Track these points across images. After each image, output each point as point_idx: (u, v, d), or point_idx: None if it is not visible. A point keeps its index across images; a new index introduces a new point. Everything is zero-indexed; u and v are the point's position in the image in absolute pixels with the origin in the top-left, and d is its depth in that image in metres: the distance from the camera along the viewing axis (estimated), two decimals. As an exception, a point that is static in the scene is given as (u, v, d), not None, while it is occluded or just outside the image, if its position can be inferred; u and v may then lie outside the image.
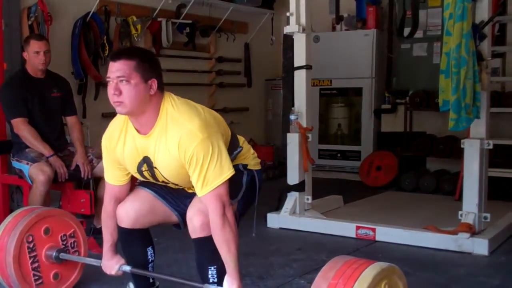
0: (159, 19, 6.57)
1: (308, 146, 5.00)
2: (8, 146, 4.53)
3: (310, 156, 5.03)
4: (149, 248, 2.90)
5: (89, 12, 5.83)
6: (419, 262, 4.05)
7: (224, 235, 2.48)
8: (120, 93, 2.42)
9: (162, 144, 2.48)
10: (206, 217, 2.57)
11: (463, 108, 4.00)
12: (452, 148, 6.33)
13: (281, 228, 4.97)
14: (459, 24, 3.95)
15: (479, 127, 4.33)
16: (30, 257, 3.10)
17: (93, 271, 3.87)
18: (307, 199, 5.06)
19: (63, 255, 3.19)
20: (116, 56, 2.47)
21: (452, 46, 3.98)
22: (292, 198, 5.03)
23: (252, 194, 2.87)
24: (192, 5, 6.89)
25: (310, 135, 5.03)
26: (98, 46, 5.96)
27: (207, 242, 2.60)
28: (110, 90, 2.43)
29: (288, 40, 5.32)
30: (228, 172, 2.49)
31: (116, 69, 2.43)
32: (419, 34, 6.01)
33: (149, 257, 2.89)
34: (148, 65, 2.48)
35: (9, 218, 3.21)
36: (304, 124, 4.97)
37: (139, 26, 6.24)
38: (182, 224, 2.84)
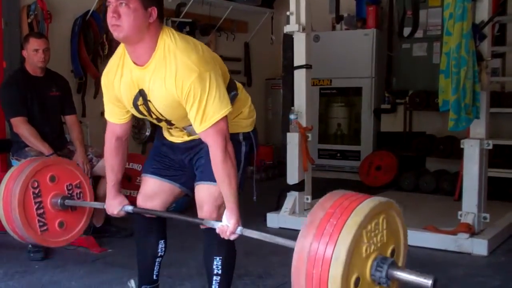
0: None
1: (307, 146, 5.00)
2: (7, 145, 4.53)
3: (309, 155, 5.03)
4: (161, 241, 2.89)
5: (88, 11, 5.83)
6: (418, 262, 4.03)
7: (225, 170, 2.45)
8: (119, 16, 2.37)
9: (158, 77, 2.43)
10: (212, 205, 2.60)
11: (463, 108, 4.00)
12: (451, 148, 6.34)
13: (280, 228, 4.97)
14: (459, 24, 3.95)
15: (478, 127, 4.33)
16: (35, 203, 3.10)
17: (96, 269, 3.88)
18: (307, 198, 5.06)
19: (68, 202, 3.18)
20: None
21: (452, 46, 3.98)
22: (291, 197, 5.03)
23: (250, 159, 2.83)
24: (192, 4, 6.90)
25: (310, 135, 5.03)
26: (98, 45, 5.97)
27: (214, 233, 2.59)
28: (109, 13, 2.39)
29: (288, 40, 5.32)
30: (227, 107, 2.45)
31: None
32: (419, 34, 6.01)
33: (159, 250, 2.89)
34: None
35: (15, 167, 3.23)
36: (304, 124, 4.97)
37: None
38: (189, 192, 2.83)
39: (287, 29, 5.01)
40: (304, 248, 2.02)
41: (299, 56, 5.01)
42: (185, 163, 2.79)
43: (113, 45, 6.09)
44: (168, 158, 2.83)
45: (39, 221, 3.12)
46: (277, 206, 5.15)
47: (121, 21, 2.38)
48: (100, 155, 4.48)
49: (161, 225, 2.90)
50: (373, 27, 7.40)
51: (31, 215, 3.09)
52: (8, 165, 4.63)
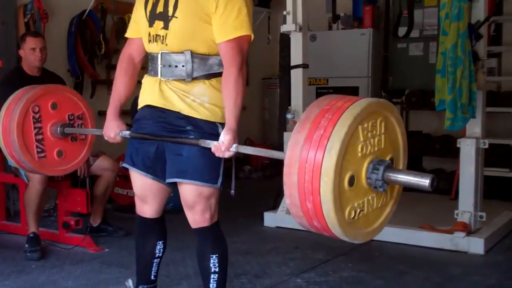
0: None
1: (304, 145, 4.99)
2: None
3: (306, 155, 5.03)
4: (160, 242, 2.86)
5: (85, 10, 5.82)
6: (415, 261, 4.07)
7: (236, 87, 2.45)
8: None
9: None
10: (204, 205, 2.56)
11: (459, 107, 4.01)
12: (448, 148, 6.34)
13: (277, 227, 4.98)
14: (455, 24, 3.96)
15: (475, 127, 4.35)
16: (35, 128, 3.06)
17: (93, 269, 3.88)
18: (303, 198, 5.05)
19: (68, 129, 3.15)
20: None
21: (448, 46, 3.99)
22: (288, 197, 5.02)
23: None
24: (189, 3, 6.88)
25: (306, 134, 5.03)
26: (95, 44, 5.96)
27: (208, 232, 2.59)
28: None
29: (285, 39, 5.31)
30: (251, 31, 2.48)
31: None
32: (415, 33, 6.02)
33: (157, 251, 2.87)
34: None
35: (18, 91, 3.20)
36: (301, 123, 4.97)
37: (135, 25, 6.23)
38: (167, 185, 2.71)
39: (284, 28, 5.01)
40: (298, 142, 1.97)
41: (296, 56, 5.01)
42: (164, 148, 2.62)
43: (109, 44, 6.10)
44: (144, 147, 2.66)
45: (37, 147, 3.07)
46: (274, 205, 5.15)
47: None
48: (97, 154, 4.48)
49: (161, 226, 2.88)
50: (370, 27, 7.40)
51: (30, 139, 3.05)
52: (5, 164, 4.63)
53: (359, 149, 1.98)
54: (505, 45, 6.71)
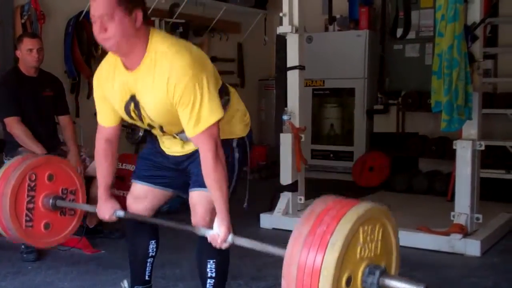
0: (152, 19, 6.55)
1: (301, 147, 5.00)
2: (0, 145, 4.52)
3: (303, 156, 5.04)
4: (153, 241, 2.88)
5: (82, 11, 5.82)
6: (411, 263, 4.06)
7: (217, 176, 2.42)
8: (106, 30, 2.32)
9: (150, 80, 2.38)
10: (205, 208, 2.59)
11: (455, 109, 4.02)
12: (444, 149, 6.35)
13: (274, 229, 4.98)
14: (451, 25, 3.97)
15: (471, 128, 4.35)
16: (28, 196, 3.06)
17: (89, 270, 3.87)
18: (300, 199, 5.07)
19: (59, 202, 3.15)
20: None
21: (444, 47, 4.00)
22: (285, 198, 5.03)
23: (244, 163, 2.80)
24: (186, 4, 6.89)
25: (303, 136, 5.04)
26: (91, 45, 5.95)
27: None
28: (96, 29, 2.34)
29: (281, 41, 5.33)
30: (219, 112, 2.41)
31: (97, 7, 2.31)
32: (411, 35, 6.03)
33: (150, 251, 2.88)
34: None
35: (18, 156, 3.23)
36: (297, 125, 4.98)
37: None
38: (182, 194, 2.80)
39: (280, 30, 5.02)
40: (301, 235, 2.00)
41: (292, 57, 5.02)
42: (179, 168, 2.76)
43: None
44: (159, 165, 2.80)
45: (26, 215, 3.07)
46: (270, 207, 5.15)
47: (109, 34, 2.33)
48: (93, 156, 4.47)
49: (153, 225, 2.89)
50: (366, 28, 7.42)
51: (21, 207, 3.05)
52: (1, 165, 4.61)
53: (358, 251, 2.01)
54: (501, 46, 6.73)
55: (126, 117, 2.62)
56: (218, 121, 2.42)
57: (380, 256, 2.13)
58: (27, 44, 4.31)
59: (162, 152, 2.79)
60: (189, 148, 2.66)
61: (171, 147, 2.73)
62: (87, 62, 5.95)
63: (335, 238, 1.93)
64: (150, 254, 2.89)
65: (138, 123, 2.63)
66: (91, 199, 4.47)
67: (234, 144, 2.68)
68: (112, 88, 2.54)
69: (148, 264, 2.90)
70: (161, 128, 2.60)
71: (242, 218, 5.23)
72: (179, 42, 2.48)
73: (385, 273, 2.06)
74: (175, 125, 2.52)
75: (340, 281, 1.95)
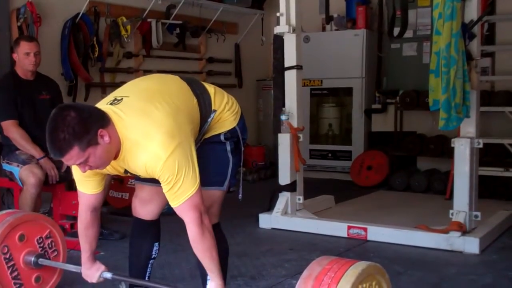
0: (149, 20, 6.56)
1: (299, 146, 5.00)
2: (-2, 149, 4.52)
3: (301, 156, 5.04)
4: (156, 244, 2.90)
5: (78, 13, 5.81)
6: (411, 261, 4.07)
7: (205, 244, 2.44)
8: (90, 167, 2.36)
9: (132, 163, 2.43)
10: (212, 201, 2.63)
11: (453, 107, 4.02)
12: (442, 148, 6.37)
13: (273, 229, 4.97)
14: (449, 23, 3.97)
15: (469, 126, 4.35)
16: (8, 267, 3.05)
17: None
18: (299, 199, 5.06)
19: (41, 261, 3.13)
20: (58, 153, 2.29)
21: (442, 45, 4.00)
22: (283, 198, 5.03)
23: (238, 154, 2.79)
24: (182, 5, 6.89)
25: (301, 135, 5.04)
26: (88, 47, 5.95)
27: None
28: (81, 169, 2.38)
29: (279, 41, 5.33)
30: (197, 181, 2.41)
31: (69, 161, 2.32)
32: (408, 33, 6.04)
33: (153, 253, 2.90)
34: (85, 132, 2.27)
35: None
36: (295, 125, 4.98)
37: (129, 27, 6.23)
38: None
39: (277, 30, 5.02)
40: None
41: (290, 57, 5.01)
42: None
43: (102, 47, 6.09)
44: None
45: (15, 283, 3.07)
46: (269, 207, 5.15)
47: (93, 166, 2.37)
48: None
49: (157, 227, 2.91)
50: (363, 28, 7.42)
51: (6, 280, 3.04)
52: (0, 168, 4.62)
53: None
54: (498, 44, 6.74)
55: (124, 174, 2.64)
56: (198, 189, 2.41)
57: None
58: (24, 47, 4.31)
59: None
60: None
61: None
62: (84, 65, 5.93)
63: None
64: (153, 255, 2.92)
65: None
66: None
67: (222, 138, 2.68)
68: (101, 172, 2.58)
69: (149, 266, 2.92)
70: None
71: (241, 218, 5.26)
72: (143, 120, 2.41)
73: None
74: None
75: None
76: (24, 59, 4.32)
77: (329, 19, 7.31)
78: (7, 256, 3.05)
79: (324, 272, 2.08)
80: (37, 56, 4.35)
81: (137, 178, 2.85)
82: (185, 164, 2.37)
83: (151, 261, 2.91)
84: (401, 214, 5.19)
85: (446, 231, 4.30)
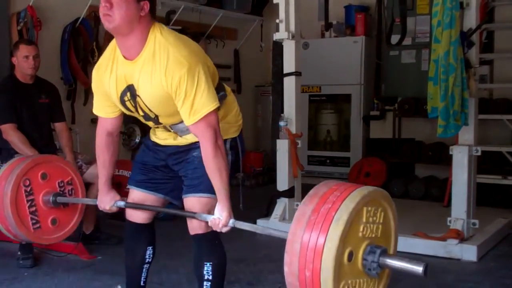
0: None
1: (297, 152, 5.01)
2: (-4, 152, 4.51)
3: (299, 162, 5.05)
4: (150, 248, 2.89)
5: (78, 18, 5.82)
6: (408, 268, 4.06)
7: (217, 164, 2.47)
8: (111, 6, 2.39)
9: (148, 70, 2.44)
10: (201, 212, 2.59)
11: (452, 115, 4.03)
12: (440, 155, 6.37)
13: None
14: (447, 31, 3.98)
15: (467, 134, 4.36)
16: (27, 201, 3.11)
17: (85, 276, 3.86)
18: (297, 205, 5.06)
19: (60, 198, 3.19)
20: None
21: (441, 53, 4.01)
22: (281, 204, 5.03)
23: (236, 166, 2.81)
24: (182, 11, 6.90)
25: (299, 141, 5.05)
26: (88, 52, 5.97)
27: (204, 238, 2.62)
28: (102, 2, 2.41)
29: (278, 47, 5.34)
30: (215, 102, 2.47)
31: None
32: (407, 41, 6.05)
33: (147, 257, 2.89)
34: None
35: (5, 166, 3.24)
36: (294, 131, 4.99)
37: (128, 32, 6.23)
38: (174, 201, 2.84)
39: (276, 36, 5.03)
40: (305, 214, 2.05)
41: (289, 63, 5.03)
42: (170, 168, 2.77)
43: (102, 52, 6.09)
44: (153, 168, 2.81)
45: (31, 218, 3.12)
46: (267, 213, 5.15)
47: (113, 11, 2.39)
48: (90, 162, 4.47)
49: (151, 231, 2.91)
50: (362, 35, 7.44)
51: (24, 213, 3.10)
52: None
53: (361, 229, 2.07)
54: (496, 52, 6.75)
55: (122, 108, 2.65)
56: (216, 110, 2.47)
57: (380, 239, 2.17)
58: (24, 51, 4.31)
59: (154, 149, 2.80)
60: (181, 141, 2.69)
61: (164, 139, 2.75)
62: (83, 69, 5.95)
63: (340, 214, 1.98)
64: (147, 260, 2.90)
65: (134, 114, 2.66)
66: (89, 206, 4.47)
67: (228, 145, 2.70)
68: (109, 78, 2.59)
69: (144, 271, 2.91)
70: (156, 119, 2.62)
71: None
72: (178, 35, 2.55)
73: (385, 252, 2.10)
74: (171, 116, 2.56)
75: (343, 255, 1.99)
76: (23, 62, 4.32)
77: (328, 26, 7.33)
78: (28, 190, 3.13)
79: (331, 192, 2.08)
80: (36, 60, 4.36)
81: (130, 180, 2.87)
82: (206, 82, 2.43)
83: (145, 266, 2.90)
84: (399, 221, 5.16)
85: (444, 239, 4.30)
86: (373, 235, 2.12)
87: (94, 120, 5.66)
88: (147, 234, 2.89)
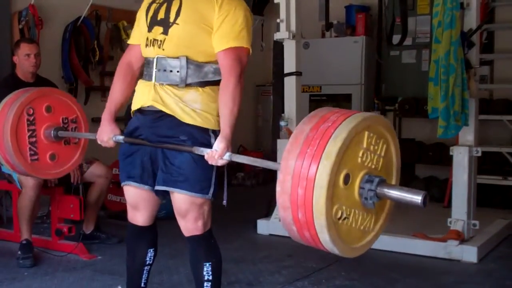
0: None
1: (298, 152, 4.99)
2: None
3: (300, 162, 5.03)
4: (151, 250, 2.86)
5: (80, 17, 5.82)
6: (408, 269, 4.07)
7: (233, 96, 2.44)
8: None
9: None
10: (197, 213, 2.55)
11: (452, 115, 4.03)
12: (440, 155, 6.36)
13: (271, 235, 4.97)
14: (448, 32, 3.98)
15: (467, 135, 4.36)
16: (28, 130, 3.06)
17: (85, 276, 3.86)
18: (297, 205, 5.05)
19: (61, 133, 3.14)
20: None
21: (441, 54, 4.01)
22: (281, 204, 5.02)
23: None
24: (183, 10, 6.90)
25: (300, 142, 5.03)
26: (89, 51, 5.97)
27: (201, 240, 2.59)
28: None
29: (278, 47, 5.33)
30: (250, 48, 2.53)
31: None
32: (408, 41, 6.04)
33: (148, 259, 2.86)
34: None
35: (12, 94, 3.21)
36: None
37: (130, 32, 6.21)
38: (153, 185, 2.65)
39: (277, 36, 5.03)
40: (303, 131, 2.00)
41: (289, 63, 5.03)
42: (156, 157, 2.60)
43: (103, 51, 6.10)
44: (138, 157, 2.66)
45: (30, 149, 3.06)
46: (267, 213, 5.15)
47: None
48: (91, 161, 4.48)
49: (152, 233, 2.87)
50: (363, 35, 7.43)
51: (23, 142, 3.05)
52: (1, 173, 4.62)
53: (360, 154, 2.00)
54: (497, 52, 6.75)
55: (143, 15, 2.68)
56: (248, 54, 2.52)
57: (380, 172, 2.12)
58: (25, 49, 4.32)
59: (137, 126, 2.66)
60: (177, 110, 2.53)
61: (162, 98, 2.57)
62: (85, 68, 5.95)
63: (339, 131, 1.93)
64: (148, 262, 2.88)
65: (144, 34, 2.63)
66: (90, 205, 4.49)
67: (212, 139, 2.53)
68: None
69: (144, 272, 2.89)
70: (160, 44, 2.56)
71: (239, 223, 5.27)
72: None
73: (384, 182, 2.05)
74: (183, 43, 2.52)
75: (339, 174, 1.93)
76: (24, 60, 4.33)
77: (328, 25, 7.33)
78: (31, 119, 3.08)
79: (332, 113, 2.04)
80: (37, 58, 4.37)
81: (120, 177, 2.75)
82: (251, 29, 2.52)
83: (146, 267, 2.88)
84: (399, 221, 5.16)
85: (444, 240, 4.30)
86: (373, 167, 2.06)
87: (95, 119, 5.69)
88: (148, 236, 2.87)
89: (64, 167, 3.25)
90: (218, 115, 2.54)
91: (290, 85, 5.05)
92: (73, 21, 5.81)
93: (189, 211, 2.57)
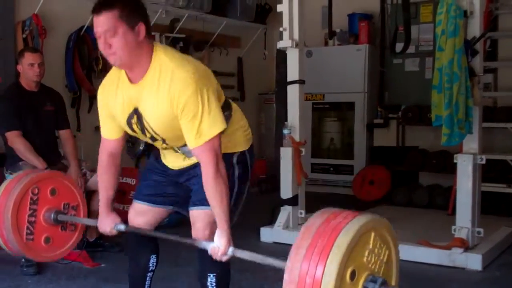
0: (153, 33, 6.56)
1: (301, 160, 5.00)
2: (1, 159, 4.52)
3: (303, 170, 5.04)
4: (153, 256, 2.88)
5: (83, 26, 5.84)
6: (412, 277, 4.04)
7: (217, 187, 2.43)
8: (110, 46, 2.37)
9: (154, 92, 2.41)
10: (205, 223, 2.58)
11: (456, 123, 4.02)
12: (444, 163, 6.35)
13: (274, 243, 4.96)
14: (452, 40, 3.99)
15: (471, 142, 4.36)
16: (30, 209, 3.06)
17: (89, 284, 3.85)
18: (301, 213, 5.06)
19: (61, 216, 3.14)
20: (97, 9, 2.37)
21: (445, 62, 4.01)
22: (285, 212, 5.03)
23: (245, 180, 2.79)
24: (186, 19, 6.92)
25: (303, 149, 5.04)
26: (92, 60, 5.98)
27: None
28: (100, 45, 2.40)
29: (281, 55, 5.36)
30: (222, 125, 2.44)
31: (100, 23, 2.36)
32: (411, 49, 6.06)
33: (150, 265, 2.88)
34: (132, 9, 2.39)
35: (24, 169, 3.24)
36: (297, 138, 4.99)
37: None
38: (182, 211, 2.80)
39: (280, 44, 5.04)
40: (314, 224, 2.04)
41: (292, 71, 5.03)
42: (179, 183, 2.77)
43: (106, 60, 6.11)
44: (161, 183, 2.80)
45: (27, 228, 3.06)
46: (270, 221, 5.14)
47: (113, 49, 2.37)
48: (94, 170, 4.47)
49: (154, 239, 2.89)
50: (366, 43, 7.45)
51: (22, 219, 3.04)
52: (2, 179, 4.61)
53: (366, 254, 2.05)
54: (500, 60, 6.75)
55: (128, 130, 2.63)
56: (220, 134, 2.44)
57: (382, 276, 2.15)
58: (29, 58, 4.33)
59: (163, 167, 2.79)
60: (190, 162, 2.67)
61: (173, 162, 2.74)
62: (88, 77, 5.97)
63: (349, 226, 1.98)
64: (150, 268, 2.89)
65: (141, 137, 2.64)
66: (92, 213, 4.47)
67: (234, 160, 2.68)
68: (115, 101, 2.57)
69: (147, 279, 2.90)
70: (163, 141, 2.60)
71: (242, 231, 5.23)
72: (182, 55, 2.51)
73: (386, 284, 2.08)
74: (178, 139, 2.53)
75: (347, 269, 1.96)
76: (28, 70, 4.34)
77: (331, 34, 7.34)
78: (34, 199, 3.08)
79: (338, 213, 2.08)
80: (41, 67, 4.38)
81: (136, 194, 2.87)
82: (212, 102, 2.41)
83: (149, 274, 2.89)
84: (403, 229, 5.15)
85: (448, 247, 4.29)
86: (376, 270, 2.10)
87: (99, 127, 5.68)
88: (150, 243, 2.88)
89: (56, 252, 3.24)
90: (240, 139, 2.70)
91: (293, 93, 5.05)
92: (76, 30, 5.83)
93: (197, 220, 2.61)
